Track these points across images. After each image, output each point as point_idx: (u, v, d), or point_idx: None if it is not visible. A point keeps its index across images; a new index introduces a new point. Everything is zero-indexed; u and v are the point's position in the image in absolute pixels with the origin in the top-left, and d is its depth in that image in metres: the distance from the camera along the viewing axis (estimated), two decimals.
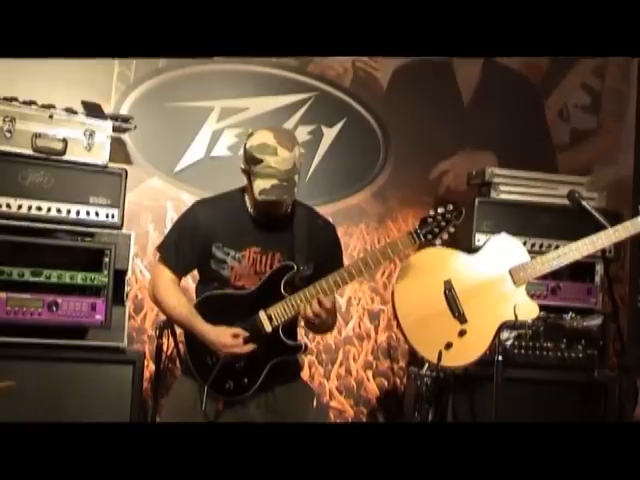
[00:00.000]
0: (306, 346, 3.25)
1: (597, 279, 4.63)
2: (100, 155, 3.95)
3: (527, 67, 5.37)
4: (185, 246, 3.19)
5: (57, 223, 3.88)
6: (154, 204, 4.57)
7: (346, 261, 4.85)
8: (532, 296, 3.89)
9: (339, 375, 4.91)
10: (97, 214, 3.92)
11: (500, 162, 5.09)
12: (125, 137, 4.49)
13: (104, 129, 3.99)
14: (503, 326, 3.78)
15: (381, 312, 5.00)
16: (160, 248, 3.33)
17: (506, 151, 5.19)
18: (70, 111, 3.98)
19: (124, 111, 4.54)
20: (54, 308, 3.79)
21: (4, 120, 3.78)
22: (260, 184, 3.02)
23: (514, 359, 4.33)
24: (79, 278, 3.85)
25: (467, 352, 3.73)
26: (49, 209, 3.84)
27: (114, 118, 4.14)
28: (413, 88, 5.12)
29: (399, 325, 3.77)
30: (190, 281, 3.67)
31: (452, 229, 3.16)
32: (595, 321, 4.53)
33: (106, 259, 3.87)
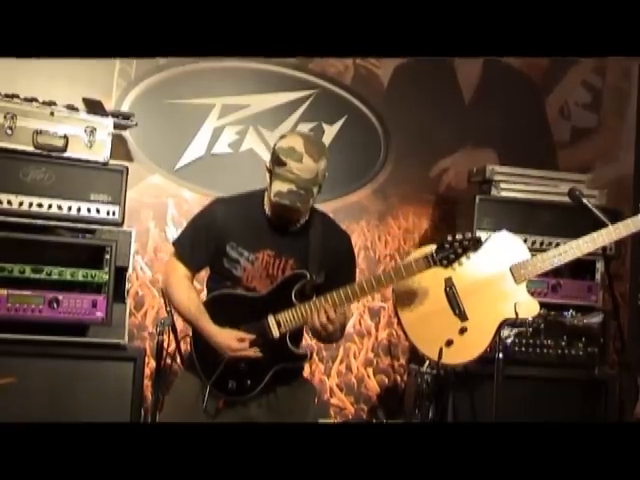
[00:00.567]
0: (311, 354, 3.25)
1: (598, 277, 4.63)
2: (101, 152, 3.95)
3: (528, 65, 5.37)
4: (200, 243, 3.20)
5: (58, 220, 3.88)
6: (155, 201, 4.57)
7: None
8: (533, 294, 3.90)
9: (340, 372, 4.92)
10: (98, 211, 3.92)
11: (501, 160, 5.09)
12: (126, 134, 4.49)
13: (105, 126, 3.99)
14: (504, 324, 3.78)
15: (382, 309, 5.00)
16: (175, 243, 3.35)
17: (507, 149, 5.19)
18: (71, 108, 3.98)
19: (125, 108, 4.54)
20: (55, 305, 3.79)
21: (5, 117, 3.78)
22: (277, 186, 3.02)
23: (514, 357, 4.34)
24: (80, 275, 3.86)
25: (468, 349, 3.74)
26: (50, 206, 3.84)
27: (115, 115, 4.14)
28: (414, 86, 5.12)
29: (400, 322, 3.78)
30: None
31: (468, 258, 3.18)
32: (595, 319, 4.54)
33: (107, 256, 3.87)
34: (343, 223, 4.86)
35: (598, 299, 4.62)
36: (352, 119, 5.01)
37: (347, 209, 4.96)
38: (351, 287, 3.10)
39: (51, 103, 3.93)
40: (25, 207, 3.80)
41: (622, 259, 5.18)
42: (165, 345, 3.92)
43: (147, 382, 4.22)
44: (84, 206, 3.90)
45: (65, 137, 3.88)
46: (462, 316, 3.70)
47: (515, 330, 4.33)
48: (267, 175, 3.14)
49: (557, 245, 3.92)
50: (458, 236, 3.14)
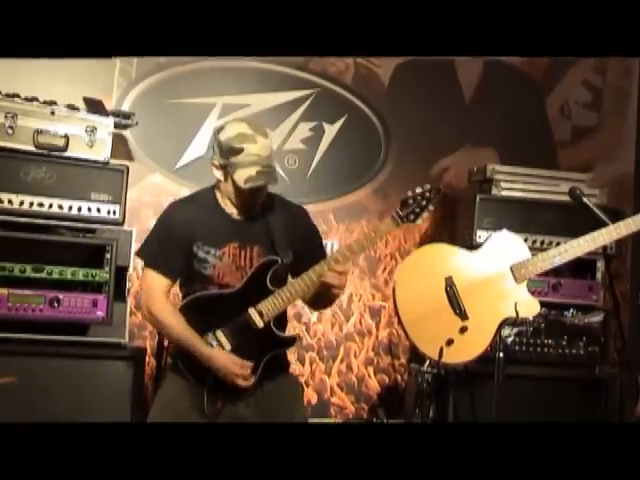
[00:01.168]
0: (299, 337, 3.23)
1: (598, 276, 4.63)
2: (102, 151, 3.95)
3: (528, 64, 5.37)
4: (171, 250, 3.14)
5: (59, 219, 3.88)
6: (155, 200, 4.57)
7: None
8: (533, 293, 3.90)
9: (340, 371, 4.92)
10: (98, 210, 3.92)
11: (501, 159, 5.09)
12: (127, 133, 4.49)
13: (106, 125, 3.99)
14: (504, 323, 3.78)
15: (382, 309, 5.00)
16: (145, 256, 3.24)
17: (507, 148, 5.18)
18: (72, 107, 3.98)
19: (126, 107, 4.54)
20: (55, 304, 3.79)
21: (6, 116, 3.78)
22: (244, 173, 3.01)
23: (515, 356, 4.33)
24: (80, 274, 3.86)
25: (468, 349, 3.74)
26: (51, 205, 3.84)
27: (116, 114, 4.15)
28: (414, 85, 5.12)
29: (400, 322, 3.78)
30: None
31: (432, 207, 3.15)
32: (596, 318, 4.54)
33: (107, 255, 3.87)
34: (343, 222, 4.91)
35: (599, 298, 4.62)
36: (352, 118, 5.01)
37: (347, 208, 4.96)
38: (326, 261, 3.08)
39: (52, 102, 3.93)
40: (26, 206, 3.80)
41: (623, 258, 5.18)
42: (165, 344, 3.92)
43: (147, 381, 4.22)
44: (85, 205, 3.90)
45: (66, 136, 3.88)
46: (462, 315, 3.70)
47: (516, 329, 4.33)
48: (218, 173, 3.13)
49: (557, 244, 3.92)
50: (418, 190, 3.13)
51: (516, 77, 5.36)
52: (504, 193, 4.61)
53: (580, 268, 4.57)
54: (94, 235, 3.96)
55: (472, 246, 4.18)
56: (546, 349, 4.47)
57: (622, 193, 5.22)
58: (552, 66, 5.40)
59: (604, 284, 4.59)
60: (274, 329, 3.12)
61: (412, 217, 3.14)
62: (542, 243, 4.48)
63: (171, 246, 3.15)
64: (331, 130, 4.97)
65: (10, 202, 3.77)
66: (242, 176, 3.02)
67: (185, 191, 4.61)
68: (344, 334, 4.94)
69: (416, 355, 4.44)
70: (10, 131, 3.79)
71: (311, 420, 4.57)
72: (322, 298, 3.22)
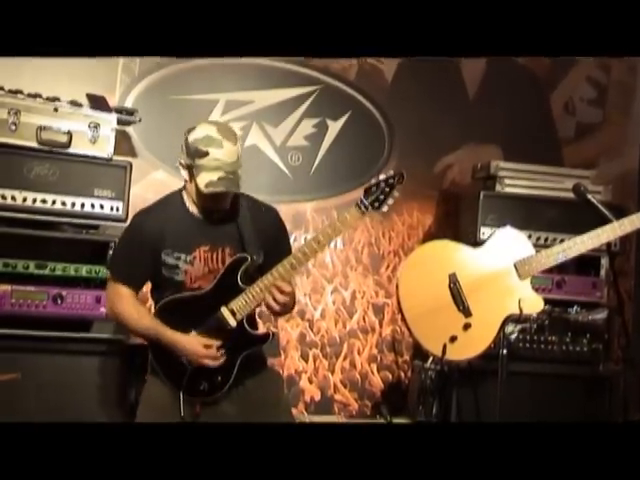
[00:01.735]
0: (273, 334, 3.22)
1: (602, 273, 4.62)
2: (105, 148, 3.95)
3: (532, 61, 5.35)
4: (135, 259, 3.15)
5: (62, 216, 3.88)
6: (159, 197, 4.55)
7: (352, 255, 4.93)
8: (537, 290, 3.90)
9: (343, 368, 4.91)
10: (102, 207, 3.92)
11: (505, 155, 5.08)
12: (130, 130, 4.49)
13: (109, 122, 3.98)
14: (508, 320, 3.78)
15: (386, 305, 5.00)
16: (110, 266, 3.36)
17: (511, 144, 5.17)
18: (75, 104, 3.97)
19: (129, 104, 4.53)
20: (59, 301, 3.79)
21: (9, 113, 3.78)
22: (206, 177, 2.99)
23: (519, 353, 4.33)
24: (84, 271, 3.86)
25: (472, 345, 3.74)
26: (54, 202, 3.83)
27: (119, 111, 4.14)
28: (418, 81, 5.11)
29: (404, 318, 3.78)
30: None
31: (397, 193, 3.09)
32: (600, 315, 4.53)
33: (110, 252, 3.86)
34: None
35: (603, 295, 4.61)
36: (356, 115, 5.00)
37: (350, 205, 4.94)
38: (294, 255, 3.07)
39: (55, 99, 3.93)
40: (29, 203, 3.80)
41: (627, 255, 5.18)
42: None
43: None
44: (88, 202, 3.89)
45: (69, 133, 3.88)
46: (466, 312, 3.70)
47: (519, 326, 4.33)
48: (184, 172, 3.11)
49: (561, 241, 3.90)
50: (382, 176, 3.07)
51: (520, 74, 5.35)
52: (508, 190, 4.60)
53: (584, 265, 4.57)
54: (97, 231, 3.97)
55: (476, 243, 4.18)
56: (550, 346, 4.47)
57: (626, 190, 5.22)
58: (556, 63, 5.39)
59: (608, 281, 4.58)
60: (247, 327, 3.11)
61: (377, 204, 3.06)
62: (546, 240, 4.47)
63: (136, 256, 3.15)
64: (334, 127, 4.96)
65: (13, 198, 3.77)
66: (204, 180, 2.99)
67: None
68: (347, 331, 4.93)
69: (419, 352, 4.44)
70: (13, 127, 3.79)
71: (314, 417, 4.58)
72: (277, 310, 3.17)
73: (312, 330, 4.86)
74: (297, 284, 4.82)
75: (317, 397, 4.84)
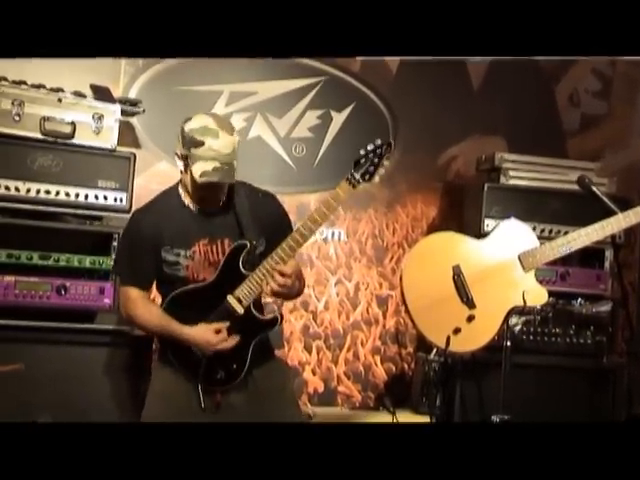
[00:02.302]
0: (281, 317, 3.22)
1: (607, 265, 4.61)
2: (108, 139, 3.94)
3: None
4: (139, 260, 3.16)
5: (65, 207, 3.88)
6: (163, 188, 4.50)
7: (356, 247, 4.93)
8: (541, 282, 3.89)
9: (347, 360, 4.92)
10: (105, 198, 3.92)
11: (510, 147, 5.07)
12: (134, 121, 4.48)
13: (113, 113, 3.97)
14: (512, 312, 3.78)
15: (389, 297, 4.99)
16: (116, 271, 3.42)
17: (516, 136, 5.16)
18: (79, 94, 3.97)
19: (133, 95, 4.53)
20: (63, 292, 3.79)
21: (13, 103, 3.77)
22: (201, 167, 2.99)
23: (522, 345, 4.33)
24: (87, 262, 3.86)
25: (475, 337, 3.74)
26: (57, 193, 3.83)
27: (123, 102, 4.13)
28: (423, 73, 5.08)
29: (407, 310, 3.78)
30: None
31: (387, 163, 3.09)
32: (604, 307, 4.52)
33: (114, 243, 3.87)
34: (350, 211, 4.90)
35: (607, 288, 4.60)
36: (360, 106, 4.99)
37: (355, 197, 4.92)
38: (292, 237, 3.05)
39: (58, 90, 3.92)
40: (32, 194, 3.79)
41: (631, 247, 5.17)
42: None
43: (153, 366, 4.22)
44: (91, 193, 3.89)
45: (72, 124, 3.87)
46: (470, 304, 3.70)
47: (523, 318, 4.33)
48: (180, 163, 3.11)
49: (566, 233, 3.90)
50: (369, 147, 3.04)
51: (525, 65, 5.32)
52: (512, 182, 4.59)
53: (588, 257, 4.56)
54: (101, 223, 3.97)
55: (480, 235, 4.18)
56: (554, 338, 4.46)
57: (631, 182, 5.19)
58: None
59: (612, 273, 4.57)
60: (254, 313, 3.12)
61: (367, 176, 3.06)
62: (550, 232, 4.46)
63: (138, 257, 3.16)
64: (338, 118, 4.95)
65: (17, 189, 3.77)
66: (199, 169, 2.99)
67: None
68: (351, 323, 4.93)
69: (423, 344, 4.44)
70: (17, 118, 3.78)
71: (317, 409, 4.58)
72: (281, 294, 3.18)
73: (316, 322, 4.86)
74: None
75: (320, 389, 4.85)
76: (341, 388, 4.89)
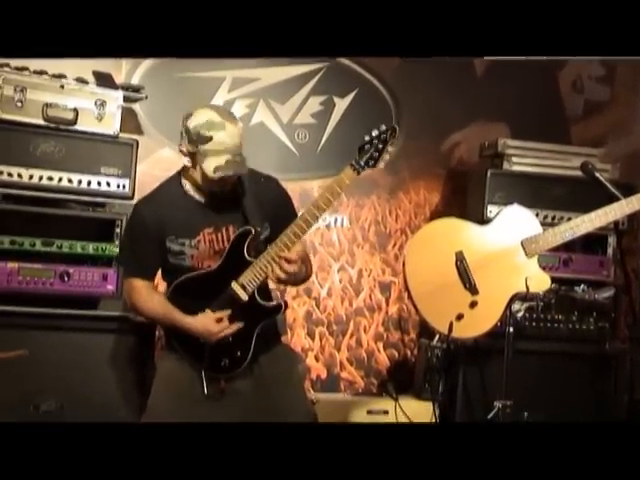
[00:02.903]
0: (286, 304, 3.22)
1: (609, 251, 4.62)
2: (111, 125, 3.94)
3: None
4: (142, 251, 3.16)
5: (68, 193, 3.88)
6: (165, 174, 4.44)
7: (359, 233, 4.93)
8: (544, 268, 3.90)
9: (350, 346, 4.92)
10: (108, 184, 3.91)
11: (513, 133, 5.06)
12: (136, 107, 4.48)
13: (115, 99, 3.97)
14: (514, 298, 3.78)
15: (392, 284, 5.00)
16: (120, 263, 3.45)
17: (519, 122, 5.14)
18: (81, 81, 3.96)
19: (135, 81, 4.52)
20: (66, 278, 3.80)
21: (15, 89, 3.77)
22: (213, 162, 2.97)
23: (525, 331, 4.33)
24: (90, 248, 3.86)
25: (478, 323, 3.74)
26: (60, 179, 3.83)
27: (125, 88, 4.13)
28: (426, 59, 5.07)
29: (410, 296, 3.78)
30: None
31: (391, 149, 3.06)
32: (607, 293, 4.52)
33: (117, 229, 3.88)
34: (353, 197, 4.90)
35: (610, 274, 4.60)
36: (363, 92, 4.98)
37: (358, 183, 4.91)
38: (296, 223, 3.04)
39: (61, 76, 3.92)
40: (35, 180, 3.79)
41: (634, 234, 5.15)
42: None
43: (157, 352, 4.23)
44: (94, 179, 3.89)
45: (75, 110, 3.87)
46: (473, 290, 3.70)
47: (526, 304, 4.33)
48: (186, 159, 3.08)
49: (569, 219, 3.90)
50: (374, 132, 3.02)
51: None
52: (515, 168, 4.59)
53: (591, 243, 4.56)
54: (104, 209, 3.97)
55: (483, 221, 4.17)
56: (556, 324, 4.47)
57: (634, 168, 5.18)
58: None
59: (615, 259, 4.57)
60: (259, 300, 3.11)
61: (372, 162, 3.03)
62: (553, 218, 4.46)
63: (141, 247, 3.16)
64: (341, 104, 4.94)
65: (20, 176, 3.77)
66: (211, 165, 2.98)
67: None
68: (354, 309, 4.94)
69: (426, 330, 4.45)
70: (19, 104, 3.78)
71: (321, 395, 4.58)
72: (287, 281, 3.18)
73: (318, 308, 4.86)
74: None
75: (323, 375, 4.86)
76: (344, 374, 4.90)
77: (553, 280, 3.88)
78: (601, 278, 4.60)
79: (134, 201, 3.94)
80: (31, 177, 3.78)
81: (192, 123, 3.02)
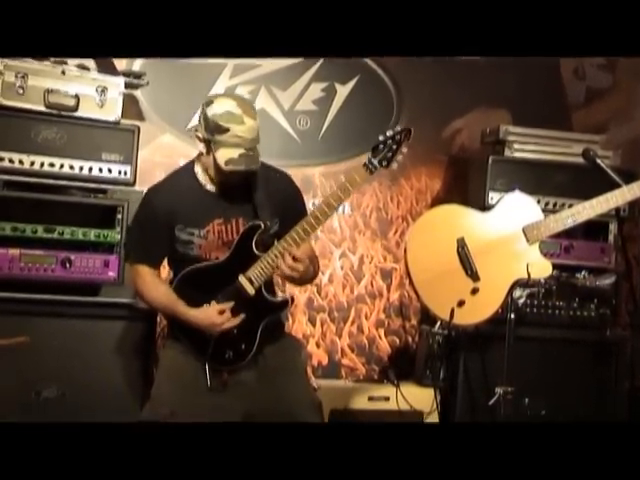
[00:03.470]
0: (292, 299, 3.22)
1: (611, 238, 4.61)
2: (112, 111, 3.93)
3: None
4: (150, 238, 3.18)
5: (69, 180, 3.87)
6: (167, 161, 4.55)
7: (360, 220, 4.93)
8: (545, 254, 3.89)
9: (351, 333, 4.93)
10: (110, 171, 3.91)
11: (514, 120, 5.05)
12: (137, 94, 4.47)
13: (116, 85, 3.96)
14: (516, 284, 3.78)
15: (393, 270, 5.00)
16: (127, 248, 3.44)
17: (521, 109, 5.13)
18: (82, 67, 3.95)
19: (137, 67, 4.50)
20: (67, 265, 3.79)
21: (16, 76, 3.76)
22: (226, 154, 2.98)
23: (526, 317, 4.34)
24: (92, 235, 3.86)
25: (479, 310, 3.74)
26: (62, 166, 3.83)
27: (126, 74, 4.13)
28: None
29: (411, 283, 3.78)
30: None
31: (405, 149, 3.07)
32: (608, 280, 4.52)
33: (119, 216, 3.87)
34: None
35: (611, 260, 4.60)
36: (365, 79, 4.97)
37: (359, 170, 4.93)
38: (306, 220, 3.04)
39: (62, 62, 3.91)
40: (37, 167, 3.79)
41: (636, 221, 5.15)
42: None
43: (159, 341, 4.23)
44: (96, 166, 3.89)
45: (76, 96, 3.86)
46: (474, 276, 3.70)
47: (527, 291, 4.34)
48: (201, 145, 3.08)
49: (570, 206, 3.89)
50: (389, 133, 3.04)
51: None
52: (517, 154, 4.58)
53: (593, 230, 4.56)
54: (105, 196, 3.96)
55: (484, 207, 4.17)
56: (557, 311, 4.47)
57: (636, 154, 5.18)
58: None
59: (616, 246, 4.57)
60: (265, 294, 3.12)
61: (385, 163, 3.05)
62: (555, 205, 4.46)
63: (150, 234, 3.17)
64: (343, 91, 4.93)
65: (21, 162, 3.77)
66: (224, 156, 2.98)
67: (196, 151, 4.61)
68: (355, 296, 4.94)
69: (427, 317, 4.45)
70: (21, 91, 3.77)
71: (322, 381, 4.59)
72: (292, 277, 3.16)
73: (320, 295, 4.87)
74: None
75: (324, 361, 4.87)
76: (345, 361, 4.91)
77: (554, 267, 3.88)
78: (602, 265, 4.60)
79: (136, 187, 3.97)
80: (32, 164, 3.78)
81: (211, 111, 3.02)
